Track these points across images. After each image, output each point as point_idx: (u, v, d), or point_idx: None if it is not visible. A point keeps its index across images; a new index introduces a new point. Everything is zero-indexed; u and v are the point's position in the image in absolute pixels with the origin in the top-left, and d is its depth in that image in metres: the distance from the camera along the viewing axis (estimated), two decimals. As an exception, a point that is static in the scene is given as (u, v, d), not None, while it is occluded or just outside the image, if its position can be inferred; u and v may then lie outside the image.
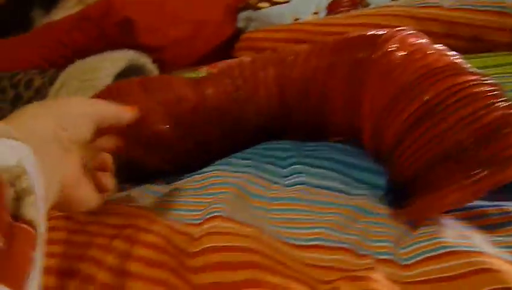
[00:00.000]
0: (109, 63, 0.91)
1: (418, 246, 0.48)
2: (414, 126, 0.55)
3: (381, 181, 0.60)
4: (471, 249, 0.44)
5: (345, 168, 0.62)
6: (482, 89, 0.54)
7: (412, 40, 0.63)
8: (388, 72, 0.60)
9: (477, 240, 0.46)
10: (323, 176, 0.60)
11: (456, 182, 0.51)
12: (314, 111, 0.66)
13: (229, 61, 1.05)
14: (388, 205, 0.57)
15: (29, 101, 1.01)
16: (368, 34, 0.65)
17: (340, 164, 0.62)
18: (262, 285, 0.44)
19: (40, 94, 1.00)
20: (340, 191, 0.58)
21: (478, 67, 0.61)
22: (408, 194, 0.56)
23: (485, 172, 0.50)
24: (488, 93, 0.54)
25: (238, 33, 1.25)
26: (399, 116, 0.56)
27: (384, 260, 0.47)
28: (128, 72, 0.95)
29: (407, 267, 0.46)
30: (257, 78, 0.68)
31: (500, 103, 0.53)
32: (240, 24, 1.27)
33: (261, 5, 1.26)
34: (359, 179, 0.61)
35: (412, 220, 0.52)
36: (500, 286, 0.38)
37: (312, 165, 0.62)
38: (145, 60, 0.98)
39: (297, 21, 1.19)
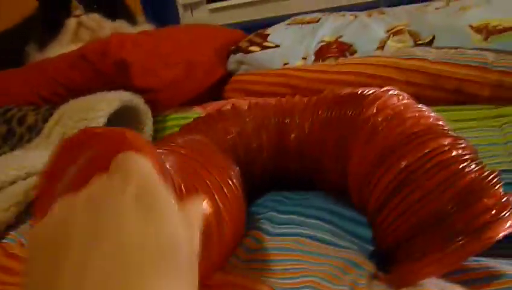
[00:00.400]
0: (105, 104, 0.93)
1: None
2: (393, 193, 0.58)
3: (369, 233, 0.62)
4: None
5: (337, 219, 0.64)
6: (457, 153, 0.57)
7: (394, 102, 0.66)
8: (370, 137, 0.63)
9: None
10: (315, 227, 0.63)
11: (434, 252, 0.54)
12: (310, 165, 0.70)
13: (222, 103, 1.08)
14: (375, 262, 0.60)
15: (21, 137, 1.02)
16: (356, 93, 0.69)
17: (332, 215, 0.65)
18: None
19: (33, 131, 1.01)
20: (331, 243, 0.61)
21: (458, 120, 0.65)
22: (391, 258, 0.59)
23: (462, 241, 0.52)
24: (463, 157, 0.57)
25: (228, 75, 1.29)
26: (379, 182, 0.59)
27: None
28: (122, 111, 0.97)
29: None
30: (259, 130, 0.72)
31: (473, 167, 0.56)
32: (231, 67, 1.31)
33: (251, 48, 1.30)
34: (349, 230, 0.63)
35: (394, 286, 0.54)
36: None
37: (307, 216, 0.65)
38: (138, 101, 1.00)
39: (287, 66, 1.23)
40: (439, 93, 0.93)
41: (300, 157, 0.72)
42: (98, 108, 0.92)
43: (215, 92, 1.24)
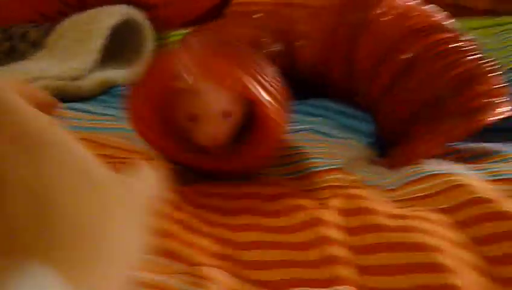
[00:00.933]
0: (106, 16, 0.94)
1: (400, 175, 0.53)
2: (396, 80, 0.61)
3: (368, 127, 0.65)
4: (448, 171, 0.49)
5: (341, 117, 0.67)
6: (458, 44, 0.60)
7: (400, 2, 0.68)
8: (377, 34, 0.65)
9: (451, 166, 0.52)
10: (320, 123, 0.66)
11: (429, 133, 0.57)
12: (319, 73, 0.72)
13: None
14: (375, 151, 0.63)
15: (25, 53, 1.03)
16: None
17: (337, 114, 0.68)
18: None
19: (37, 46, 1.02)
20: (332, 135, 0.64)
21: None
22: (390, 146, 0.62)
23: (454, 122, 0.56)
24: (463, 48, 0.60)
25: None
26: (384, 72, 0.62)
27: (371, 186, 0.53)
28: (124, 26, 0.98)
29: (392, 190, 0.51)
30: (268, 37, 0.73)
31: (471, 57, 0.59)
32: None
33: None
34: (351, 126, 0.66)
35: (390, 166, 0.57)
36: (471, 197, 0.44)
37: (315, 115, 0.67)
38: (140, 16, 1.01)
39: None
40: (440, 7, 0.94)
41: (309, 65, 0.73)
42: (99, 19, 0.93)
43: (216, 15, 1.24)
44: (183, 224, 0.46)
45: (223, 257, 0.44)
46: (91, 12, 0.98)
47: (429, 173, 0.50)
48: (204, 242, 0.45)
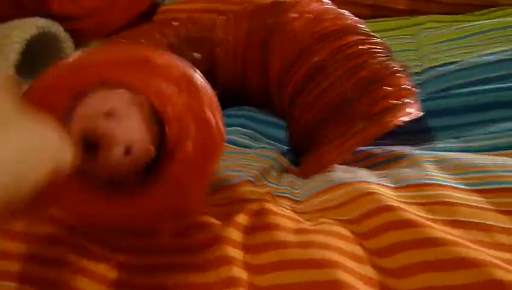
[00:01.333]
0: (20, 30, 0.90)
1: (309, 185, 0.52)
2: (305, 84, 0.60)
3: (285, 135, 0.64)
4: (356, 180, 0.48)
5: (258, 126, 0.66)
6: (367, 46, 0.60)
7: (313, 6, 0.67)
8: (290, 38, 0.64)
9: (361, 174, 0.51)
10: (235, 133, 0.64)
11: (336, 138, 0.56)
12: (238, 79, 0.70)
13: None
14: (288, 159, 0.62)
15: None
16: (277, 0, 0.69)
17: (254, 122, 0.66)
18: None
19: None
20: (246, 145, 0.62)
21: (377, 31, 0.67)
22: (302, 152, 0.61)
23: (362, 125, 0.55)
24: (371, 50, 0.59)
25: (155, 6, 1.25)
26: (294, 76, 0.61)
27: (282, 197, 0.51)
28: (41, 40, 0.94)
29: (301, 202, 0.50)
30: (188, 45, 0.71)
31: (379, 59, 0.58)
32: (157, -3, 1.27)
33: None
34: (268, 134, 0.65)
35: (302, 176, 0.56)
36: (377, 205, 0.43)
37: (230, 124, 0.66)
38: (57, 29, 0.97)
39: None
40: (360, 8, 0.94)
41: (228, 73, 0.72)
42: (12, 34, 0.89)
43: (141, 24, 1.21)
44: (79, 250, 0.43)
45: (121, 284, 0.42)
46: (4, 26, 0.93)
47: (337, 183, 0.49)
48: (101, 268, 0.43)
